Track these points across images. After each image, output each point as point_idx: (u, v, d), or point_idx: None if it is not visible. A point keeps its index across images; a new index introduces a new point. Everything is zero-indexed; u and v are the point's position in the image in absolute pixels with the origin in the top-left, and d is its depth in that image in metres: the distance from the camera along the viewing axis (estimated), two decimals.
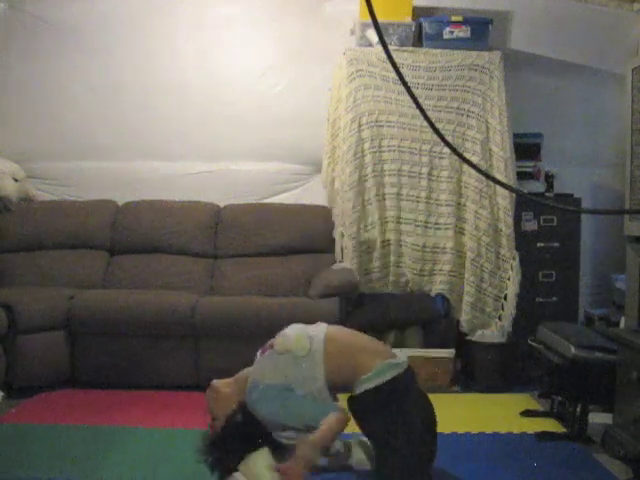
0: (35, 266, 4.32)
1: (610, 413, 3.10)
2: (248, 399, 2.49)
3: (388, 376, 2.40)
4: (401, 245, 4.26)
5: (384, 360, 2.46)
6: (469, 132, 4.21)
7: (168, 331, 3.81)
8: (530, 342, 3.51)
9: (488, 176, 3.69)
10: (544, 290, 4.23)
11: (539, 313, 4.10)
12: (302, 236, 4.47)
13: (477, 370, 4.05)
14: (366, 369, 2.42)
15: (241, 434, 2.45)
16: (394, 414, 2.39)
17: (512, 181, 4.13)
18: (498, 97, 4.17)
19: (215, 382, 2.62)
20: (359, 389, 2.40)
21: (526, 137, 4.41)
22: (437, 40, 4.26)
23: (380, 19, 2.04)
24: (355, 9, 4.39)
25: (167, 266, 4.36)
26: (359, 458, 2.69)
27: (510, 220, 4.15)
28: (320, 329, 2.57)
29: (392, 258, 4.26)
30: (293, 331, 2.58)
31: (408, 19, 4.29)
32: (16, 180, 4.54)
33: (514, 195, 4.15)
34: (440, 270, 4.23)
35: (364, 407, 2.42)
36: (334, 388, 2.51)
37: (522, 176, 4.33)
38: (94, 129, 4.70)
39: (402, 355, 2.58)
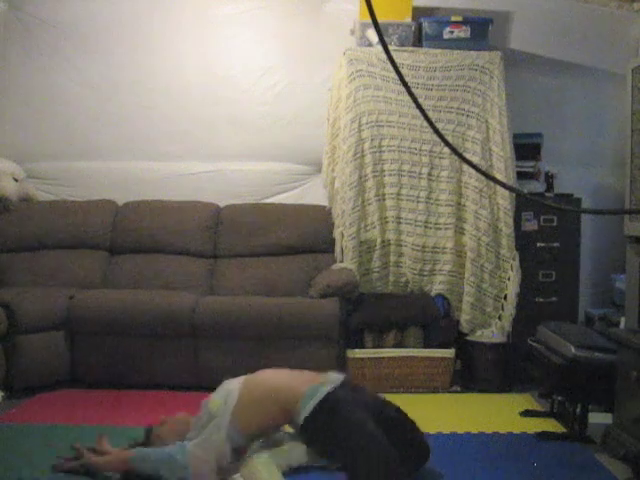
0: (35, 266, 4.31)
1: (610, 413, 3.11)
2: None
3: (320, 396, 2.44)
4: (401, 245, 4.26)
5: (310, 384, 2.51)
6: (469, 132, 4.21)
7: (168, 331, 3.81)
8: (530, 342, 3.51)
9: (488, 176, 3.69)
10: (544, 290, 4.22)
11: (539, 313, 4.09)
12: (302, 236, 4.46)
13: (477, 370, 4.05)
14: (295, 399, 2.47)
15: None
16: (342, 429, 2.39)
17: (512, 181, 4.13)
18: (498, 97, 4.17)
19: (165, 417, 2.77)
20: (299, 420, 2.44)
21: (526, 137, 4.41)
22: (437, 40, 4.26)
23: (380, 19, 2.05)
24: (355, 9, 4.39)
25: (167, 266, 4.36)
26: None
27: (510, 220, 4.15)
28: (238, 382, 2.63)
29: (392, 258, 4.26)
30: (217, 390, 2.68)
31: (408, 19, 4.29)
32: (16, 180, 4.54)
33: (514, 195, 4.15)
34: (440, 270, 4.23)
35: (312, 435, 2.46)
36: (262, 434, 2.61)
37: (522, 176, 4.33)
38: (94, 129, 4.70)
39: (333, 375, 2.63)
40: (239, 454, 2.58)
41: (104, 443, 2.68)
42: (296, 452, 2.69)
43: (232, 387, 2.60)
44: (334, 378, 2.58)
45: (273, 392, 2.54)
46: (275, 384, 2.58)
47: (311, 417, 2.40)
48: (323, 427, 2.42)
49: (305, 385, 2.50)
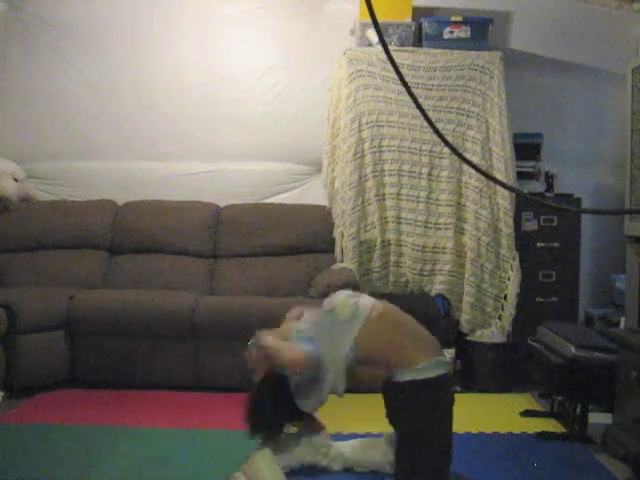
0: (35, 266, 4.32)
1: (610, 413, 3.11)
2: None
3: (436, 373, 2.35)
4: (401, 245, 4.26)
5: (434, 355, 2.40)
6: (469, 132, 4.21)
7: (168, 331, 3.81)
8: (530, 342, 3.51)
9: (488, 176, 3.69)
10: (544, 290, 4.23)
11: (539, 313, 4.09)
12: (302, 236, 4.46)
13: (477, 370, 4.05)
14: (414, 358, 2.36)
15: (273, 398, 2.56)
16: (430, 412, 2.34)
17: (512, 181, 4.13)
18: (498, 97, 4.17)
19: (259, 333, 2.67)
20: (403, 376, 2.33)
21: (526, 137, 4.42)
22: (437, 40, 4.26)
23: (380, 19, 2.05)
24: (355, 9, 4.39)
25: (167, 266, 4.36)
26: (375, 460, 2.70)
27: (510, 220, 4.15)
28: (369, 301, 2.53)
29: (392, 258, 4.26)
30: (343, 295, 2.58)
31: (408, 19, 4.29)
32: (16, 180, 4.54)
33: (514, 195, 4.15)
34: (440, 270, 4.23)
35: (403, 396, 2.35)
36: (367, 363, 2.46)
37: (522, 176, 4.33)
38: (94, 129, 4.70)
39: (446, 355, 2.56)
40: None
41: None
42: (297, 453, 2.68)
43: (362, 302, 2.49)
44: (446, 360, 2.49)
45: (404, 332, 2.44)
46: (408, 327, 2.47)
47: (416, 384, 2.32)
48: (417, 399, 2.34)
49: (428, 350, 2.40)
